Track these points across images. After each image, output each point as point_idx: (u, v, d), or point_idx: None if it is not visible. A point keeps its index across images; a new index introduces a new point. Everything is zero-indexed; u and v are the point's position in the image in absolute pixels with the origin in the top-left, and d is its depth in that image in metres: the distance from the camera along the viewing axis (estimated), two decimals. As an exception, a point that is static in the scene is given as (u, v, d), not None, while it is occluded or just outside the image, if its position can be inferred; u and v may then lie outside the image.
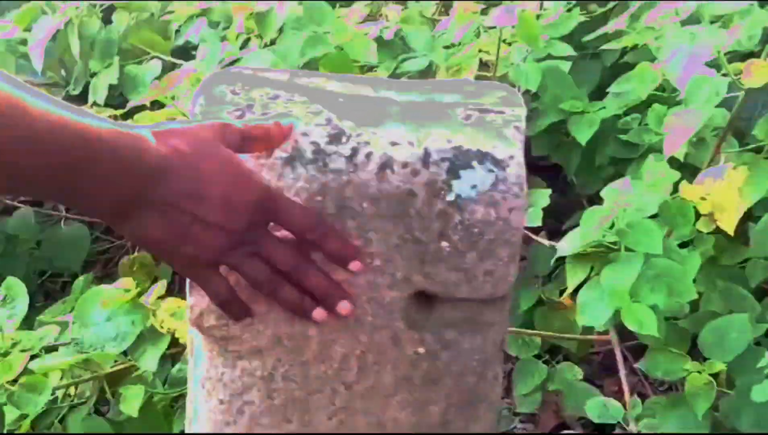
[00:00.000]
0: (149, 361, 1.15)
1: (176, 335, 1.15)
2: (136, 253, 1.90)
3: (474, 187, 0.78)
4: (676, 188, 1.30)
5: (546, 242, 1.49)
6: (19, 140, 0.63)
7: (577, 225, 1.31)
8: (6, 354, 1.13)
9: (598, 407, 1.27)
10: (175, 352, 1.30)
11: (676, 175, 1.28)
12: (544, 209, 1.59)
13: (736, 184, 1.24)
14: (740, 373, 1.22)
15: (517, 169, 0.78)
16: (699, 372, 1.16)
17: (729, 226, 1.25)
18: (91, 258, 2.06)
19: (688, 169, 1.39)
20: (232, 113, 0.80)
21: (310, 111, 0.80)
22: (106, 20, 2.00)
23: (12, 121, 0.62)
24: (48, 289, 2.12)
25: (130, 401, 1.11)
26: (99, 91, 1.90)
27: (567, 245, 1.27)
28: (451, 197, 0.78)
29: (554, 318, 1.57)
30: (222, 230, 0.74)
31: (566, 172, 1.70)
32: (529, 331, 1.56)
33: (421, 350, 0.83)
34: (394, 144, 0.78)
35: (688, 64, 1.18)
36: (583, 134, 1.53)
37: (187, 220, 0.73)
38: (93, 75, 1.94)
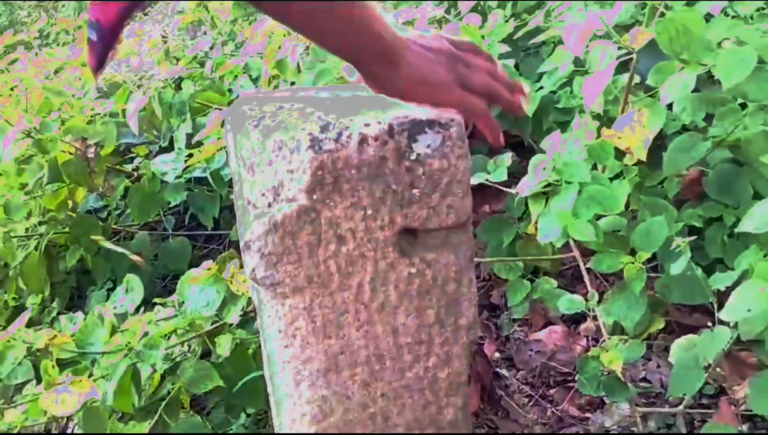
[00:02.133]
0: (232, 316, 1.19)
1: (251, 296, 1.19)
2: (226, 252, 1.94)
3: (429, 145, 0.79)
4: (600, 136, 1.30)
5: (513, 191, 1.49)
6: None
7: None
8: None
9: (566, 302, 1.28)
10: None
11: (595, 123, 1.28)
12: (516, 170, 1.59)
13: (642, 123, 1.24)
14: (667, 260, 1.22)
15: (458, 128, 0.80)
16: (632, 262, 1.16)
17: (641, 153, 1.25)
18: (195, 261, 2.11)
19: (611, 121, 1.39)
20: (251, 123, 0.83)
21: (306, 112, 0.83)
22: (177, 88, 2.05)
23: None
24: (171, 289, 2.17)
25: (222, 345, 1.15)
26: (180, 140, 1.95)
27: (524, 186, 1.28)
28: (413, 156, 0.80)
29: (530, 247, 1.58)
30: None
31: (524, 138, 1.71)
32: (512, 258, 1.57)
33: (413, 270, 0.85)
34: (366, 124, 0.80)
35: (579, 37, 1.18)
36: (529, 108, 1.53)
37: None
38: (174, 129, 1.99)
